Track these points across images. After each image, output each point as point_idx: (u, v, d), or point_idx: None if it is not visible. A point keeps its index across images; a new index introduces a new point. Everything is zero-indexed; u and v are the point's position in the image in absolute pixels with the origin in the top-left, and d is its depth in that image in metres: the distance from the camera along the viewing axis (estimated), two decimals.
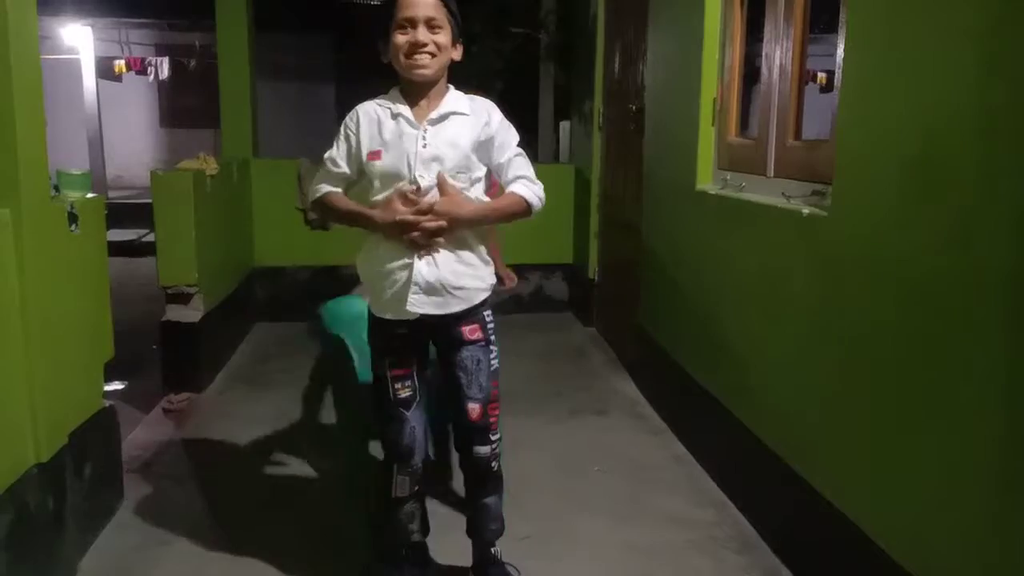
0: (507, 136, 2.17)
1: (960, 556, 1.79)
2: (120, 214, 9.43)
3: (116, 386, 4.18)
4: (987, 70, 1.70)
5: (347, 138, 2.15)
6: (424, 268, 2.08)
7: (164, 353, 4.08)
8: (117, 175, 14.00)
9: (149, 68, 13.17)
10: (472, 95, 2.17)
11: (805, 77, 2.83)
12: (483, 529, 2.36)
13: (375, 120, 2.11)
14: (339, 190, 2.20)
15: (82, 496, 2.55)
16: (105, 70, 13.11)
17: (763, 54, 2.93)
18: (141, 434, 3.58)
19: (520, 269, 5.91)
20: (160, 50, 13.70)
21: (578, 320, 5.79)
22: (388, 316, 2.16)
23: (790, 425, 2.60)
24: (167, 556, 2.59)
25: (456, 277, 2.11)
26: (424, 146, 2.05)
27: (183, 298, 4.04)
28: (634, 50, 4.55)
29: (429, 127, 2.07)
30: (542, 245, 5.98)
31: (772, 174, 2.91)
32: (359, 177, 2.17)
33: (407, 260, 2.08)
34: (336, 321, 2.97)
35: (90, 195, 2.71)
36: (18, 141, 2.16)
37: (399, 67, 2.07)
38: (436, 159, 2.06)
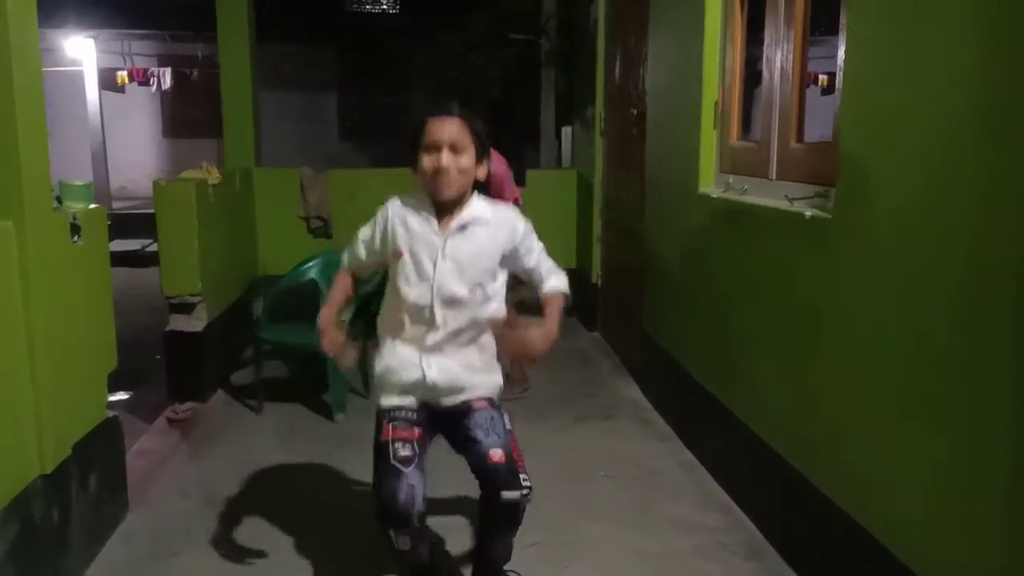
0: (531, 241, 2.29)
1: (971, 560, 1.78)
2: (124, 224, 9.47)
3: (120, 396, 4.19)
4: (989, 70, 1.70)
5: (373, 228, 2.27)
6: (435, 373, 2.17)
7: (168, 363, 4.09)
8: (121, 185, 14.05)
9: (152, 79, 13.25)
10: (495, 203, 2.27)
11: (806, 79, 2.82)
12: (494, 559, 2.33)
13: (403, 220, 2.20)
14: (348, 272, 2.37)
15: (87, 507, 2.54)
16: (108, 81, 13.18)
17: (764, 57, 2.92)
18: (146, 444, 3.58)
19: None
20: (163, 61, 13.78)
21: (582, 325, 5.78)
22: (396, 403, 2.20)
23: (797, 429, 2.59)
24: (173, 567, 2.58)
25: (466, 377, 2.21)
26: (444, 257, 2.14)
27: (187, 308, 4.04)
28: (635, 55, 4.55)
29: (449, 240, 2.15)
30: (545, 249, 5.97)
31: (775, 177, 2.90)
32: (376, 267, 2.33)
33: (418, 360, 2.18)
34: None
35: (92, 206, 2.71)
36: (20, 153, 2.16)
37: (425, 185, 2.16)
38: (455, 273, 2.14)
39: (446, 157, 2.09)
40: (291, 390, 4.27)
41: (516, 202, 4.22)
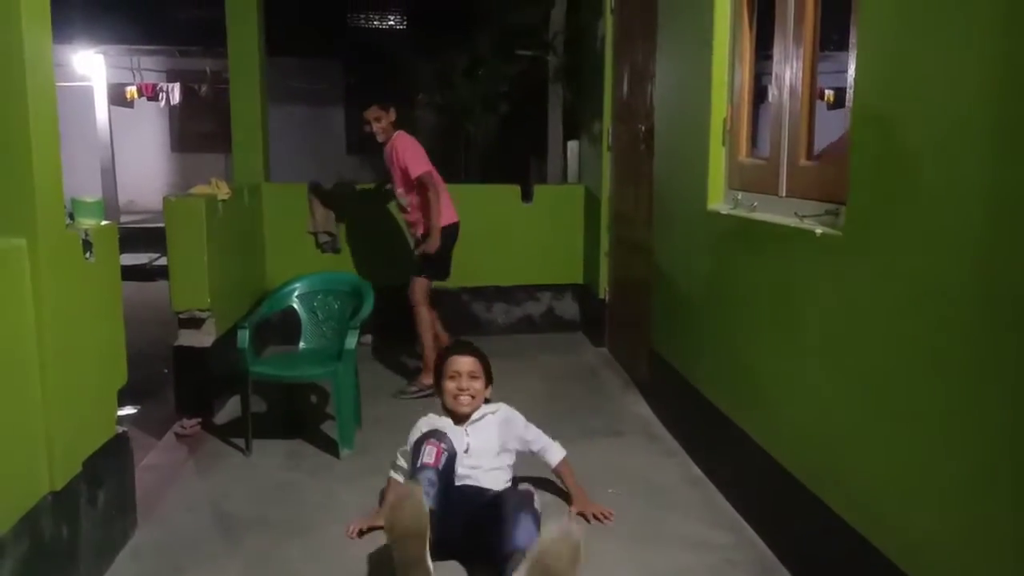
0: (521, 425, 3.07)
1: None
2: (132, 238, 9.50)
3: (128, 410, 4.19)
4: (1002, 86, 1.70)
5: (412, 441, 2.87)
6: None
7: (176, 378, 4.08)
8: (129, 200, 14.12)
9: (160, 94, 13.33)
10: (498, 404, 3.07)
11: (814, 95, 2.83)
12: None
13: (432, 424, 2.88)
14: (401, 479, 2.92)
15: (96, 524, 2.54)
16: (117, 96, 13.27)
17: (773, 74, 2.93)
18: (154, 459, 3.58)
19: (531, 289, 5.97)
20: (171, 76, 13.88)
21: (589, 340, 5.77)
22: None
23: (807, 446, 2.58)
24: None
25: None
26: (466, 450, 2.84)
27: (195, 323, 4.04)
28: (643, 71, 4.57)
29: (469, 427, 2.95)
30: (552, 265, 5.99)
31: (784, 194, 2.90)
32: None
33: None
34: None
35: (104, 222, 2.72)
36: (34, 170, 2.17)
37: (449, 403, 2.99)
38: (477, 455, 2.85)
39: (466, 380, 2.95)
40: (301, 401, 4.26)
41: (428, 176, 4.37)
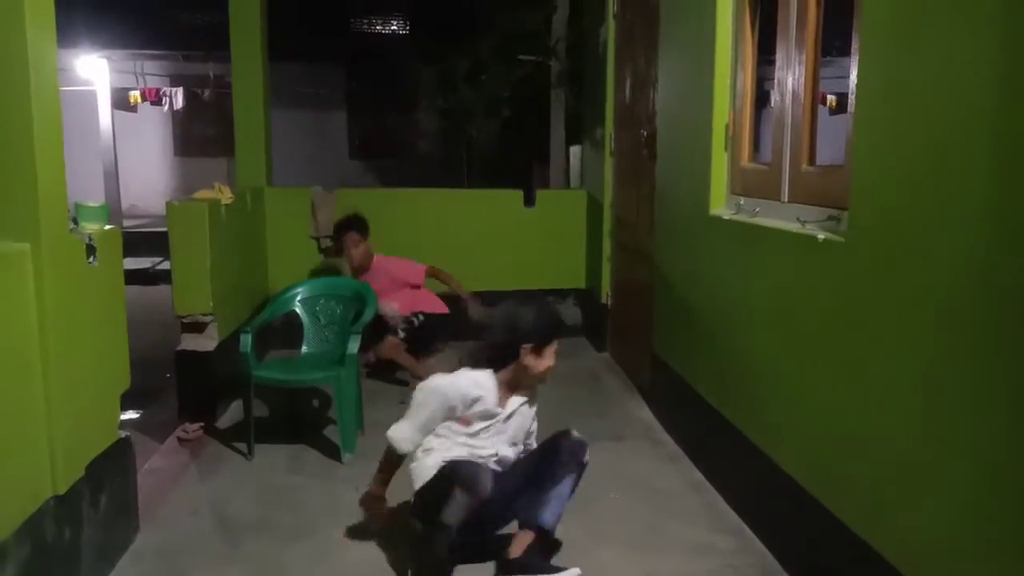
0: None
1: None
2: (134, 243, 9.50)
3: (131, 415, 4.18)
4: (1002, 91, 1.70)
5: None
6: None
7: (179, 382, 4.09)
8: (132, 204, 14.15)
9: (164, 98, 13.35)
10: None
11: (816, 100, 2.83)
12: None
13: (483, 398, 2.71)
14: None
15: (98, 528, 2.54)
16: (120, 101, 13.29)
17: (775, 79, 2.93)
18: (156, 463, 3.58)
19: (533, 294, 5.96)
20: (175, 80, 13.90)
21: (591, 345, 5.77)
22: None
23: (809, 451, 2.58)
24: None
25: None
26: (497, 459, 2.74)
27: (198, 327, 4.05)
28: (645, 76, 4.57)
29: (511, 419, 2.79)
30: (554, 269, 5.99)
31: (786, 199, 2.90)
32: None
33: None
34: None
35: (107, 227, 2.72)
36: (38, 175, 2.18)
37: (532, 381, 2.81)
38: (513, 439, 2.83)
39: None
40: (304, 406, 4.27)
41: (429, 273, 4.78)
